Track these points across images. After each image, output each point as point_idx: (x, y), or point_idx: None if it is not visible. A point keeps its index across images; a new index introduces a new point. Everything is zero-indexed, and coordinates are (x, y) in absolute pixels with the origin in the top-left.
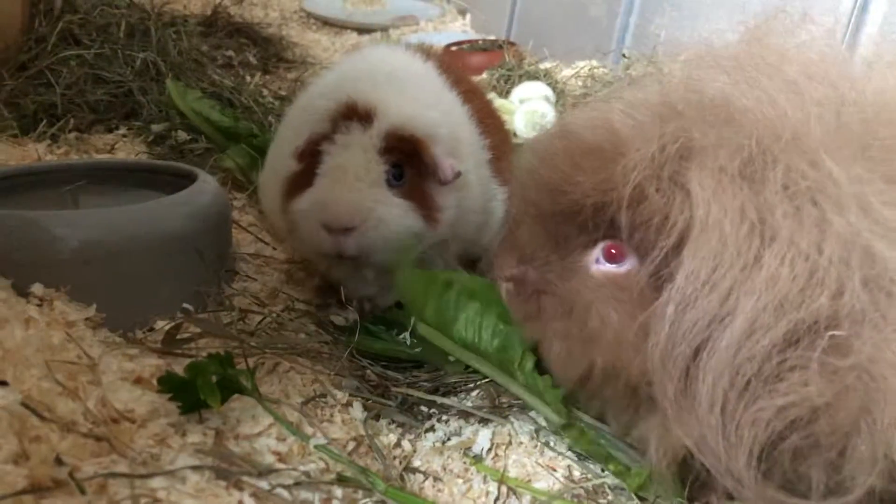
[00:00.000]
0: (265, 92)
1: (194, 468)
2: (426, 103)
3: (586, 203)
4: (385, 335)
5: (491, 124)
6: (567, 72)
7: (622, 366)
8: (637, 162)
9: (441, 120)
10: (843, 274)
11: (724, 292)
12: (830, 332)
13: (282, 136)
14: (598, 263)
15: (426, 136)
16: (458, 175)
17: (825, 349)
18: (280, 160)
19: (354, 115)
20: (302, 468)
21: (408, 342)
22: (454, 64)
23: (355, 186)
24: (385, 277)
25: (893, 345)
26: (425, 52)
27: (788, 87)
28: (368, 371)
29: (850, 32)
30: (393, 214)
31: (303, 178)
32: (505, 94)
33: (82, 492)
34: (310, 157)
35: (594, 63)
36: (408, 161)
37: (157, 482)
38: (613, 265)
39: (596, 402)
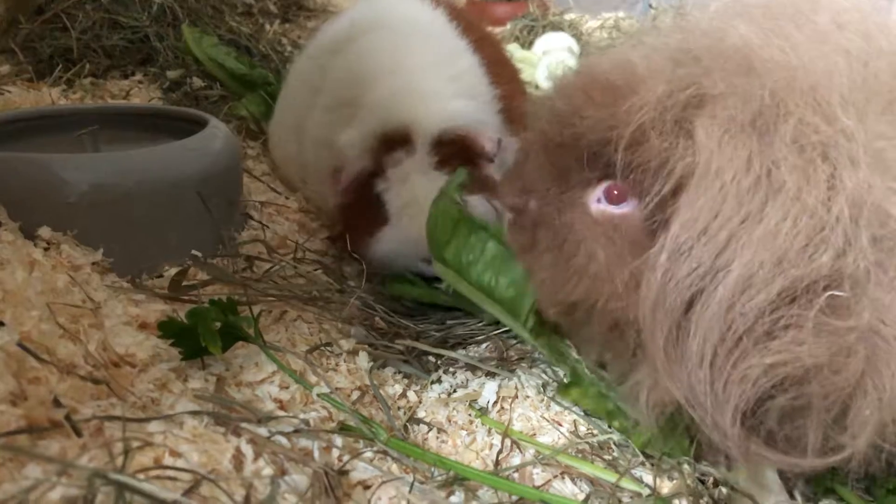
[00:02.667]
0: (284, 40)
1: (193, 413)
2: (450, 93)
3: (590, 138)
4: (420, 282)
5: (502, 73)
6: (593, 23)
7: (604, 304)
8: (643, 103)
9: (467, 105)
10: (851, 233)
11: (720, 244)
12: (830, 292)
13: (291, 85)
14: (598, 203)
15: (463, 128)
16: (499, 143)
17: (823, 309)
18: (289, 112)
19: (394, 144)
20: (303, 416)
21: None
22: (464, 10)
23: None
24: None
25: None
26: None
27: (817, 37)
28: (377, 318)
29: None
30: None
31: (368, 215)
32: (528, 45)
33: (78, 433)
34: (360, 192)
35: (620, 14)
36: (461, 158)
37: (154, 426)
38: (614, 206)
39: (594, 347)
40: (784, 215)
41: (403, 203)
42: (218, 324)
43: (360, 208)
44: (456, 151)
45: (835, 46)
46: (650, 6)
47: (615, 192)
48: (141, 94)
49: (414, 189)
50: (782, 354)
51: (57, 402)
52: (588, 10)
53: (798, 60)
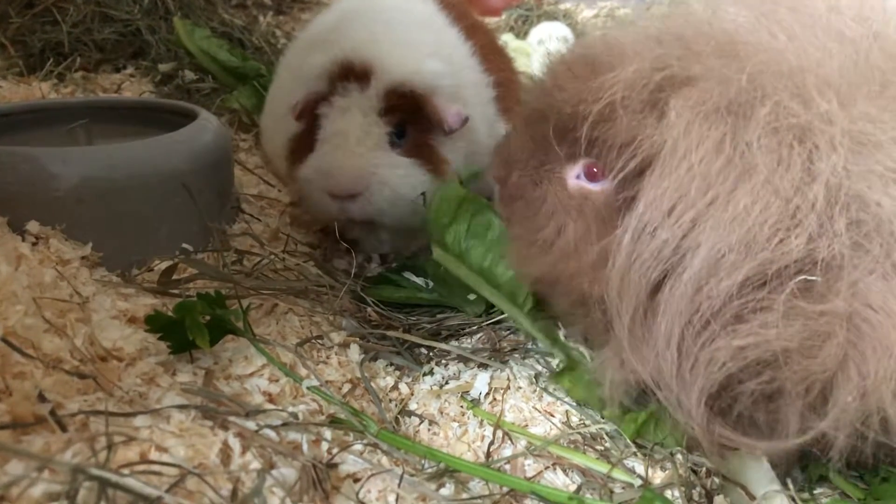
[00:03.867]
0: (277, 32)
1: (180, 407)
2: (426, 52)
3: (564, 111)
4: (405, 282)
5: (495, 60)
6: (588, 12)
7: (568, 280)
8: (615, 80)
9: (442, 68)
10: (826, 217)
11: (686, 225)
12: (802, 277)
13: (281, 77)
14: (577, 179)
15: (427, 89)
16: (465, 121)
17: (794, 293)
18: (280, 104)
19: (351, 74)
20: (292, 409)
21: (428, 286)
22: (456, 2)
23: (356, 152)
24: (400, 233)
25: (886, 296)
26: None
27: (811, 21)
28: (369, 310)
29: None
30: (396, 176)
31: (304, 140)
32: (523, 34)
33: (63, 428)
34: (309, 117)
35: (615, 3)
36: (410, 118)
37: (140, 420)
38: (591, 183)
39: (574, 326)
40: (754, 199)
41: (332, 132)
42: (206, 317)
43: (303, 133)
44: (407, 107)
45: (829, 30)
46: None
47: (594, 170)
48: (132, 87)
49: (347, 122)
50: (750, 337)
51: (42, 397)
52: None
53: (786, 44)
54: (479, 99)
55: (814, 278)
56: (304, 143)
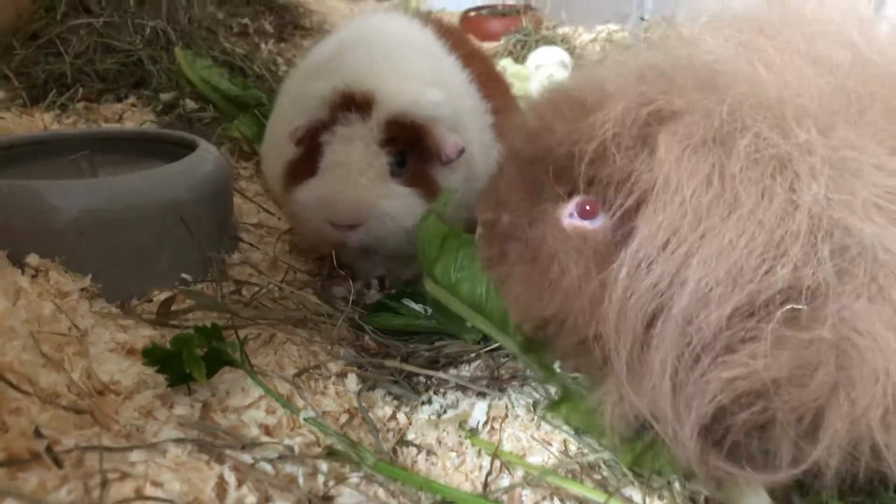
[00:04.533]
0: (279, 60)
1: (176, 441)
2: (425, 80)
3: (557, 152)
4: (404, 309)
5: (493, 87)
6: (586, 37)
7: (574, 319)
8: (605, 119)
9: (441, 97)
10: (810, 246)
11: (679, 259)
12: (789, 306)
13: (281, 105)
14: (571, 217)
15: (428, 119)
16: (461, 152)
17: (781, 322)
18: (280, 131)
19: (353, 104)
20: (288, 441)
21: (427, 312)
22: (454, 28)
23: (359, 183)
24: (395, 258)
25: (872, 320)
26: (424, 17)
27: (790, 49)
28: (367, 339)
29: None
30: (397, 207)
31: (304, 165)
32: (522, 59)
33: (59, 465)
34: (309, 143)
35: (613, 27)
36: (410, 147)
37: (135, 455)
38: (586, 221)
39: (567, 362)
40: (740, 231)
41: (335, 161)
42: (204, 349)
43: (302, 158)
44: (407, 137)
45: (807, 57)
46: (642, 19)
47: (587, 207)
48: (134, 117)
49: (350, 152)
50: (740, 369)
51: (38, 433)
52: (581, 23)
53: (765, 74)
54: (477, 126)
55: (800, 307)
56: (303, 168)
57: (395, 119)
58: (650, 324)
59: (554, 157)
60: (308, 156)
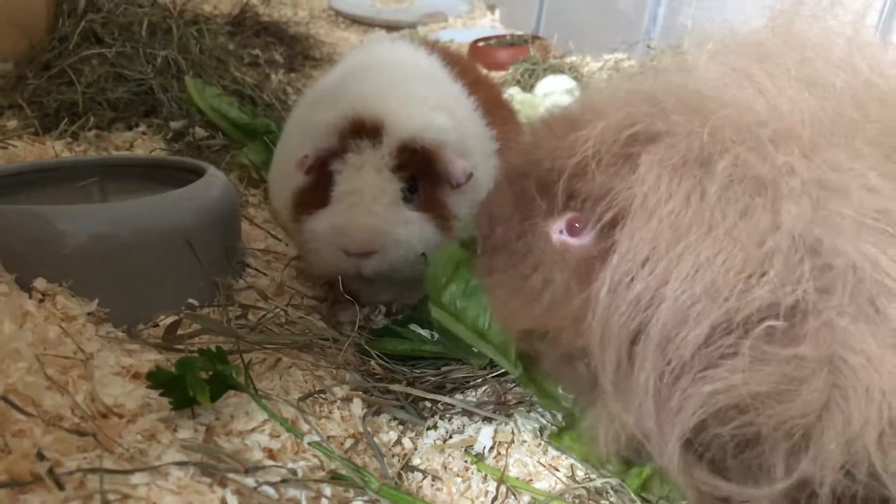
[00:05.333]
0: (288, 89)
1: (179, 464)
2: (432, 106)
3: (543, 167)
4: (410, 334)
5: (499, 114)
6: (593, 65)
7: (557, 333)
8: (588, 136)
9: (449, 122)
10: (790, 264)
11: (659, 277)
12: (767, 324)
13: (289, 133)
14: (560, 234)
15: (437, 144)
16: (470, 177)
17: (760, 338)
18: (287, 159)
19: (363, 131)
20: (292, 465)
21: (433, 337)
22: (459, 56)
23: (373, 211)
24: (402, 284)
25: (866, 339)
26: (430, 45)
27: (780, 72)
28: (373, 363)
29: (885, 18)
30: (411, 233)
31: (314, 194)
32: (529, 88)
33: (60, 487)
34: (318, 172)
35: (620, 56)
36: (420, 173)
37: (137, 478)
38: (574, 238)
39: (558, 379)
40: (717, 249)
41: (347, 189)
42: (208, 373)
43: (312, 186)
44: (417, 163)
45: (800, 80)
46: (649, 47)
47: (576, 225)
48: (144, 144)
49: (362, 181)
50: (719, 383)
51: (41, 456)
52: (588, 52)
53: (754, 98)
54: (483, 152)
55: (778, 324)
56: (313, 197)
57: (405, 144)
58: (634, 340)
59: (538, 172)
60: (318, 184)
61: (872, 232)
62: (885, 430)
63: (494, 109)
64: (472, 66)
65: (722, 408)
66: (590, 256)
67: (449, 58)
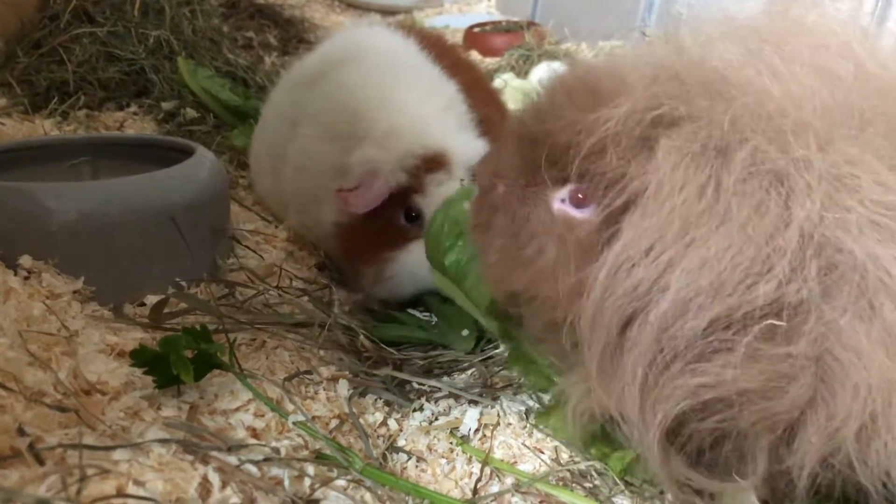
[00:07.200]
0: (281, 72)
1: (161, 441)
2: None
3: (558, 139)
4: (407, 318)
5: (480, 96)
6: (590, 52)
7: (544, 300)
8: (609, 116)
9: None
10: (798, 263)
11: (661, 266)
12: (767, 322)
13: (266, 118)
14: (562, 203)
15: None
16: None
17: (758, 336)
18: (265, 144)
19: (435, 166)
20: (275, 444)
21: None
22: (437, 39)
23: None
24: None
25: (859, 337)
26: (406, 29)
27: (796, 59)
28: (361, 341)
29: (881, 5)
30: None
31: (386, 231)
32: (524, 74)
33: (40, 462)
34: (381, 208)
35: (615, 43)
36: None
37: (119, 454)
38: (576, 209)
39: (540, 342)
40: (728, 244)
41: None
42: (193, 352)
43: (379, 226)
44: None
45: (812, 68)
46: (644, 34)
47: (580, 196)
48: (135, 125)
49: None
50: (709, 377)
51: (21, 431)
52: (584, 39)
53: (770, 84)
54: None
55: (780, 324)
56: (389, 236)
57: (472, 168)
58: (625, 326)
59: (552, 143)
60: (388, 221)
61: (879, 228)
62: (867, 423)
63: (476, 91)
64: (451, 49)
65: (708, 401)
66: (592, 236)
67: (425, 41)
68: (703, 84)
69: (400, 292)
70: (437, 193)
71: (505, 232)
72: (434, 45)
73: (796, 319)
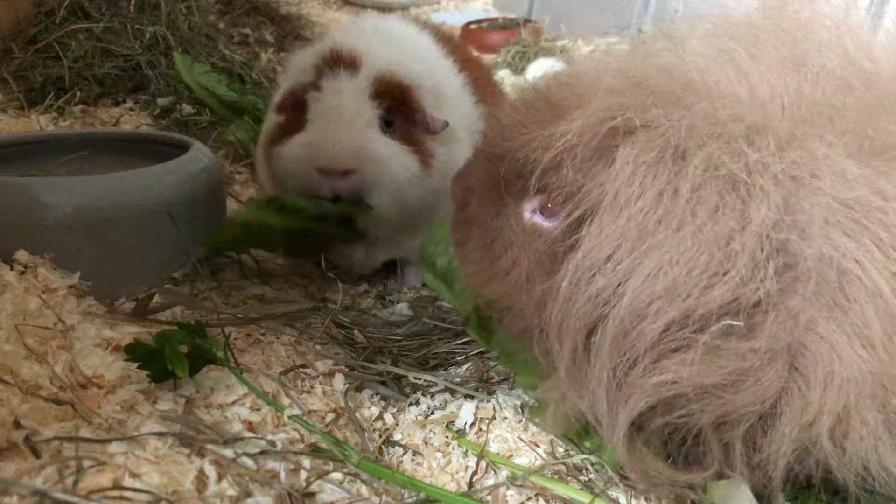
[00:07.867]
0: (279, 69)
1: (157, 434)
2: (412, 57)
3: (517, 155)
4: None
5: (488, 93)
6: (585, 49)
7: (519, 309)
8: (565, 131)
9: (426, 72)
10: (754, 264)
11: (621, 273)
12: (725, 322)
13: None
14: (532, 213)
15: (413, 84)
16: (445, 125)
17: (716, 334)
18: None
19: (340, 62)
20: (271, 438)
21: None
22: (452, 36)
23: (351, 128)
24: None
25: (831, 328)
26: (422, 23)
27: (766, 55)
28: (357, 332)
29: (877, 2)
30: (388, 155)
31: (288, 126)
32: (520, 70)
33: (36, 454)
34: (293, 109)
35: (612, 40)
36: (396, 109)
37: (115, 447)
38: (545, 220)
39: (519, 346)
40: (682, 249)
41: (325, 109)
42: (188, 346)
43: (286, 120)
44: (395, 95)
45: (784, 63)
46: (640, 31)
47: (549, 206)
48: (131, 120)
49: (340, 100)
50: (668, 374)
51: (17, 424)
52: (580, 36)
53: (736, 85)
54: (470, 129)
55: (736, 323)
56: (287, 129)
57: (382, 75)
58: (591, 332)
59: (512, 159)
60: (292, 118)
61: (844, 222)
62: (840, 415)
63: (484, 88)
64: (464, 48)
65: (669, 397)
66: (555, 247)
67: (439, 36)
68: (665, 91)
69: (288, 190)
70: (330, 85)
71: (480, 245)
72: (448, 40)
73: (756, 317)
